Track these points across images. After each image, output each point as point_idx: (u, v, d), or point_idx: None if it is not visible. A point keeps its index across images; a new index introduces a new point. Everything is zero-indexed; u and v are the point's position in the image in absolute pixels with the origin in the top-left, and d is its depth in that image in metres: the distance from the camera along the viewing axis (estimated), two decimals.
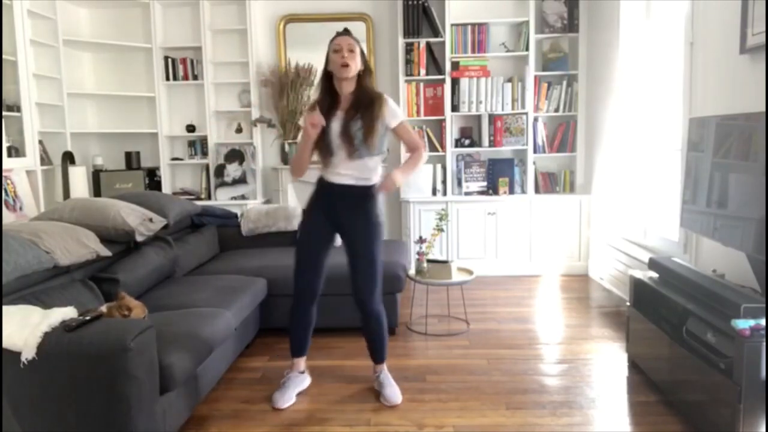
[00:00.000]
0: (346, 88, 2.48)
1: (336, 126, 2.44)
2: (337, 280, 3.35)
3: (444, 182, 4.91)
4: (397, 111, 2.52)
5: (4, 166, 3.77)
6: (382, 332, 2.66)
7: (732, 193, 2.32)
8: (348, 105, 2.47)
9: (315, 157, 2.53)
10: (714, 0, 2.85)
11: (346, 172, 2.48)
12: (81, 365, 1.85)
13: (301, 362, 2.74)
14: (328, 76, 2.51)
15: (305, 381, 2.74)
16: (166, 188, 5.05)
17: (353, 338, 3.37)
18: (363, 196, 2.52)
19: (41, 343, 1.84)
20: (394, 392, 2.61)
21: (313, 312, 2.68)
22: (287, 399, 2.59)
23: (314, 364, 3.04)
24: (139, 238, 3.00)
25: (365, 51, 2.55)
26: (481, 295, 4.23)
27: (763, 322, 1.96)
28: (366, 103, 2.45)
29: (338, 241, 3.99)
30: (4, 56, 3.81)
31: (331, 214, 2.54)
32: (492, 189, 4.87)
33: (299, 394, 2.67)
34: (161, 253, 3.14)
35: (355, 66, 2.44)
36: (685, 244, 3.16)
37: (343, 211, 2.53)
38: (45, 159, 4.33)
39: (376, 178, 2.54)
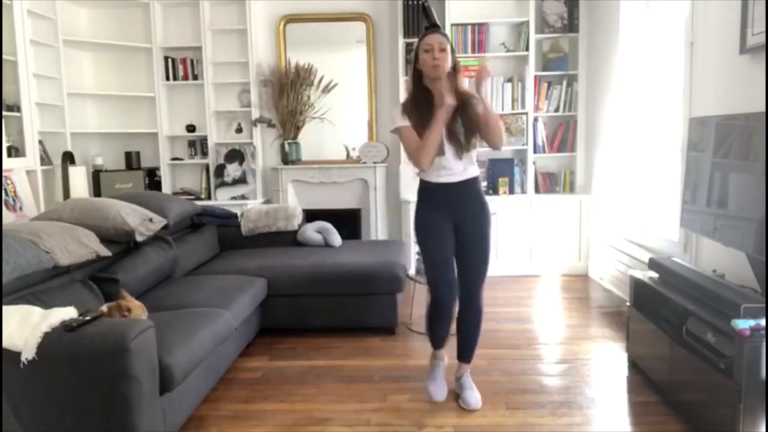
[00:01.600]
0: (440, 86, 2.41)
1: (457, 124, 2.41)
2: (336, 280, 3.36)
3: None
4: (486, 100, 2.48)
5: (4, 166, 3.77)
6: (480, 328, 2.61)
7: (732, 193, 2.32)
8: (456, 106, 2.40)
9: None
10: (714, 0, 2.85)
11: (456, 170, 2.45)
12: (81, 365, 1.85)
13: (443, 351, 2.70)
14: (418, 74, 2.46)
15: (444, 362, 2.71)
16: (166, 188, 5.05)
17: (353, 338, 3.37)
18: (476, 188, 2.52)
19: (41, 343, 1.83)
20: (475, 396, 2.57)
21: (455, 307, 2.60)
22: (443, 390, 2.60)
23: (314, 364, 3.04)
24: (139, 238, 3.00)
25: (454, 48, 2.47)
26: None
27: (763, 322, 1.96)
28: (463, 104, 2.40)
29: (337, 241, 3.99)
30: (4, 56, 3.81)
31: (449, 213, 2.49)
32: (492, 189, 4.87)
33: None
34: (161, 253, 3.14)
35: (447, 65, 2.39)
36: (685, 244, 3.16)
37: (460, 207, 2.49)
38: (45, 159, 4.33)
39: (477, 171, 2.53)
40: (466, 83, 2.53)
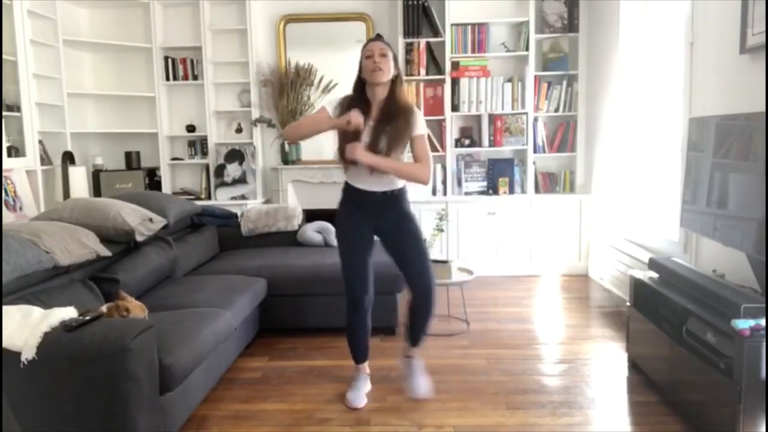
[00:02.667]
0: (380, 94, 2.46)
1: (365, 138, 2.41)
2: (336, 280, 3.36)
3: (444, 182, 4.91)
4: (422, 123, 2.51)
5: (4, 166, 3.77)
6: (433, 311, 2.62)
7: (732, 193, 2.32)
8: (379, 115, 2.44)
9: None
10: (714, 0, 2.85)
11: (372, 180, 2.46)
12: (81, 365, 1.85)
13: (366, 366, 2.74)
14: (361, 83, 2.49)
15: (369, 383, 2.73)
16: (166, 188, 5.05)
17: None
18: (394, 198, 2.52)
19: (41, 343, 1.84)
20: (425, 382, 2.61)
21: (369, 319, 2.66)
22: (362, 399, 2.60)
23: (314, 364, 3.04)
24: (139, 238, 3.00)
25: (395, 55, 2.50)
26: (481, 295, 4.23)
27: (763, 322, 1.96)
28: (395, 115, 2.43)
29: (334, 240, 3.99)
30: (4, 56, 3.81)
31: (369, 218, 2.52)
32: (492, 189, 4.87)
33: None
34: (161, 253, 3.14)
35: (388, 71, 2.42)
36: (685, 244, 3.16)
37: (381, 214, 2.52)
38: (45, 159, 4.33)
39: (400, 183, 2.53)
40: (406, 93, 2.56)
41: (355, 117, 2.31)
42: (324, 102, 2.54)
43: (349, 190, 2.55)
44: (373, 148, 2.40)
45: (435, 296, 2.58)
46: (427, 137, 2.55)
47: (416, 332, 2.67)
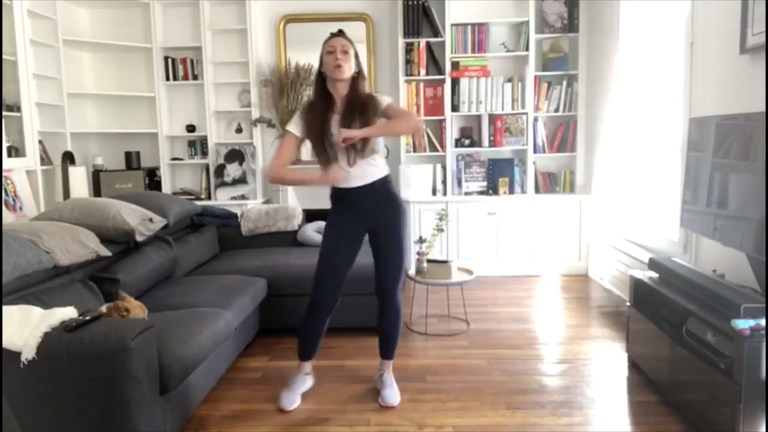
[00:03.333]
0: (341, 90, 2.46)
1: (335, 132, 2.41)
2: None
3: (444, 182, 4.91)
4: (384, 98, 2.49)
5: (4, 166, 3.77)
6: (399, 327, 2.66)
7: (732, 193, 2.32)
8: (344, 109, 2.44)
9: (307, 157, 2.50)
10: (714, 0, 2.85)
11: (354, 174, 2.46)
12: (81, 365, 1.85)
13: (309, 365, 2.72)
14: (322, 78, 2.49)
15: (309, 382, 2.72)
16: (166, 188, 5.05)
17: (353, 338, 3.38)
18: (383, 189, 2.52)
19: (41, 343, 1.84)
20: (393, 393, 2.61)
21: (327, 321, 2.65)
22: (293, 400, 2.58)
23: (314, 364, 3.03)
24: (139, 238, 3.00)
25: (359, 52, 2.51)
26: (481, 295, 4.23)
27: (763, 322, 1.96)
28: (360, 108, 2.43)
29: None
30: (4, 56, 3.81)
31: (359, 218, 2.51)
32: (492, 189, 4.87)
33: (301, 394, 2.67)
34: (161, 253, 3.14)
35: (349, 67, 2.43)
36: (685, 244, 3.16)
37: (368, 211, 2.51)
38: (45, 159, 4.33)
39: (382, 172, 2.52)
40: (367, 88, 2.56)
41: (338, 174, 2.38)
42: (289, 126, 2.50)
43: (335, 195, 2.55)
44: (350, 147, 2.40)
45: (399, 303, 2.59)
46: (394, 101, 2.54)
47: (386, 343, 2.67)
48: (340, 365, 3.01)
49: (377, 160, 2.52)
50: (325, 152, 2.43)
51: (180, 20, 4.99)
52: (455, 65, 4.79)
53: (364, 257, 3.57)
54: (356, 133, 2.33)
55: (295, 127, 2.48)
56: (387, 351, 2.70)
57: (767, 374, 1.93)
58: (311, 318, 2.58)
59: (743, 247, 2.25)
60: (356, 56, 2.47)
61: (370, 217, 2.52)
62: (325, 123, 2.43)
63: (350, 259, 2.57)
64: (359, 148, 2.41)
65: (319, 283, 2.54)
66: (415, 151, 4.92)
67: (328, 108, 2.45)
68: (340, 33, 2.49)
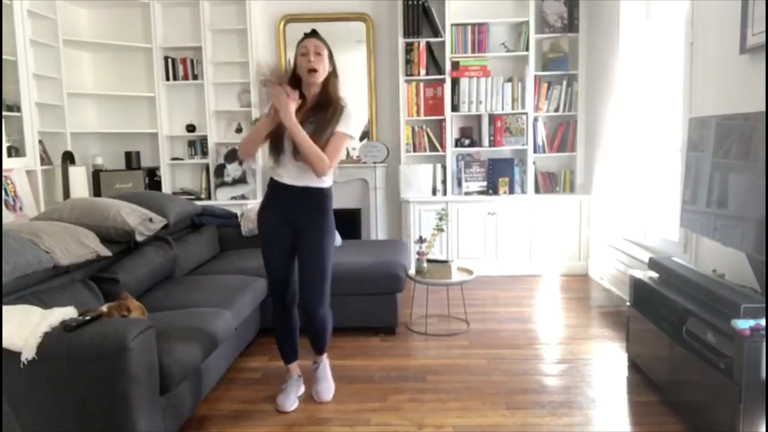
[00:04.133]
0: (313, 90, 2.45)
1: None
2: (337, 280, 3.35)
3: (444, 182, 4.91)
4: (346, 122, 2.44)
5: (4, 166, 3.77)
6: (326, 332, 2.60)
7: (732, 193, 2.32)
8: (310, 107, 2.43)
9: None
10: (714, 0, 2.85)
11: (293, 172, 2.43)
12: (81, 365, 1.85)
13: (296, 368, 2.70)
14: (296, 78, 2.46)
15: (301, 385, 2.70)
16: (166, 188, 5.05)
17: (353, 338, 3.37)
18: (311, 197, 2.46)
19: (41, 343, 1.84)
20: (327, 388, 2.61)
21: (296, 315, 2.62)
22: (292, 401, 2.57)
23: None
24: (139, 238, 3.00)
25: (332, 52, 2.49)
26: (481, 295, 4.23)
27: (763, 322, 1.96)
28: (324, 106, 2.42)
29: (337, 241, 4.00)
30: (4, 56, 3.81)
31: (287, 216, 2.47)
32: (492, 189, 4.87)
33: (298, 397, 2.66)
34: (161, 253, 3.14)
35: (323, 70, 2.41)
36: (685, 244, 3.16)
37: (296, 212, 2.47)
38: (45, 159, 4.33)
39: (325, 183, 2.48)
40: (338, 88, 2.51)
41: (289, 95, 2.29)
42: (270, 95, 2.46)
43: (271, 186, 2.51)
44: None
45: (324, 320, 2.53)
46: (346, 140, 2.46)
47: (316, 341, 2.62)
48: (340, 365, 3.01)
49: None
50: (280, 143, 2.40)
51: (180, 20, 4.99)
52: (455, 65, 4.79)
53: (360, 256, 3.59)
54: (288, 118, 2.28)
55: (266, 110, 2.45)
56: (316, 346, 2.64)
57: (767, 374, 1.93)
58: (276, 318, 2.60)
59: (743, 247, 2.25)
60: (330, 56, 2.45)
61: (295, 218, 2.47)
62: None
63: (290, 253, 2.52)
64: (308, 135, 2.36)
65: (270, 282, 2.56)
66: (415, 151, 4.92)
67: (300, 106, 2.40)
68: (314, 33, 2.46)
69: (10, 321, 1.87)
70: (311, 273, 2.47)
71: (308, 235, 2.47)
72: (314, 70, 2.38)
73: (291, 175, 2.44)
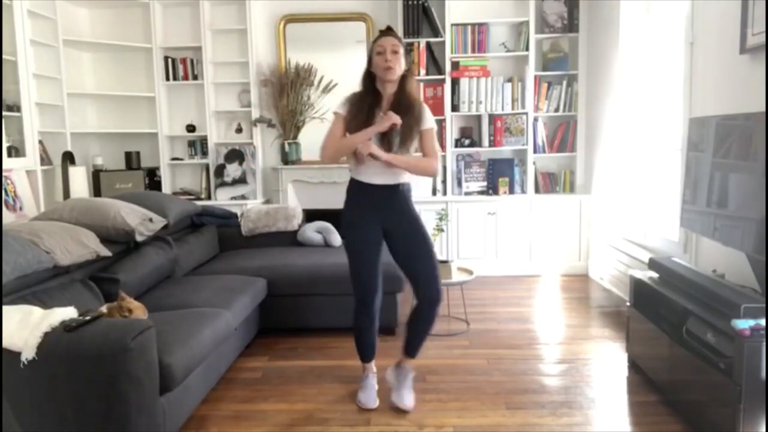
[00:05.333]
0: (389, 89, 2.44)
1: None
2: (336, 280, 3.36)
3: (444, 182, 4.91)
4: (431, 117, 2.50)
5: (4, 166, 3.77)
6: (435, 320, 2.60)
7: (732, 193, 2.32)
8: (389, 107, 2.42)
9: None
10: (714, 0, 2.85)
11: (383, 173, 2.43)
12: (81, 365, 1.85)
13: (372, 365, 2.70)
14: (370, 75, 2.46)
15: (376, 381, 2.68)
16: (166, 188, 5.05)
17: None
18: (406, 191, 2.51)
19: (41, 343, 1.84)
20: (410, 397, 2.57)
21: (377, 316, 2.61)
22: (373, 399, 2.57)
23: (314, 364, 3.04)
24: (139, 238, 3.00)
25: (404, 52, 2.48)
26: (481, 295, 4.23)
27: (763, 322, 1.96)
28: (406, 108, 2.41)
29: (337, 241, 4.00)
30: (4, 56, 3.81)
31: (376, 216, 2.48)
32: (492, 189, 4.87)
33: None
34: (161, 253, 3.14)
35: (399, 68, 2.40)
36: (685, 244, 3.16)
37: (392, 210, 2.48)
38: (45, 159, 4.33)
39: (408, 176, 2.52)
40: (415, 87, 2.53)
41: (394, 118, 2.33)
42: (337, 108, 2.48)
43: (354, 188, 2.51)
44: (383, 141, 2.38)
45: (440, 305, 2.56)
46: (435, 131, 2.52)
47: (415, 342, 2.61)
48: (340, 365, 3.01)
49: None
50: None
51: (180, 20, 4.99)
52: (455, 65, 4.79)
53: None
54: (381, 155, 2.34)
55: (343, 108, 2.46)
56: (414, 348, 2.62)
57: (767, 374, 1.93)
58: (360, 319, 2.58)
59: (743, 247, 2.25)
60: (407, 55, 2.44)
61: (385, 217, 2.48)
62: (369, 118, 2.39)
63: (379, 250, 2.52)
64: (398, 149, 2.39)
65: (357, 284, 2.52)
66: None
67: (375, 104, 2.42)
68: (390, 31, 2.45)
69: (10, 321, 1.87)
70: (431, 262, 2.50)
71: (412, 227, 2.48)
72: (391, 68, 2.37)
73: (383, 177, 2.45)
